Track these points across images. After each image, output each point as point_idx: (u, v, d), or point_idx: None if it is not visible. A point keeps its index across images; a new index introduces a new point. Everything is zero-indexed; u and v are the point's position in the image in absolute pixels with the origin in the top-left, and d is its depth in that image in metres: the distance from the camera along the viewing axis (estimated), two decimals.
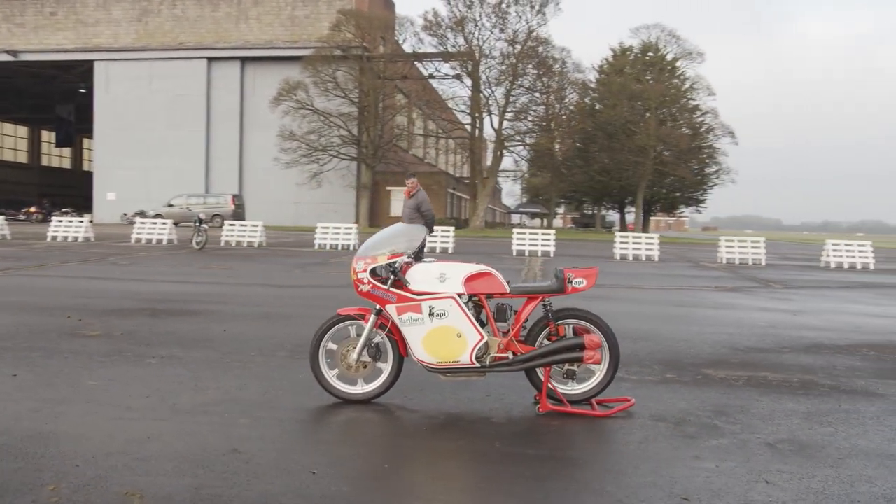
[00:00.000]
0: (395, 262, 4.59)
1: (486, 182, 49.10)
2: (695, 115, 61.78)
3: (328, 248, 22.83)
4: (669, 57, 60.82)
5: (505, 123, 48.15)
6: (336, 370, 4.75)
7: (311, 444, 3.94)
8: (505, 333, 4.62)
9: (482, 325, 4.57)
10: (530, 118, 50.14)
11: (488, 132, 49.49)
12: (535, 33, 45.54)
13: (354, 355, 4.65)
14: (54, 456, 3.56)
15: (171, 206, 40.37)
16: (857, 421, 4.61)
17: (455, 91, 49.07)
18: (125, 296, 9.71)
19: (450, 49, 45.70)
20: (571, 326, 4.69)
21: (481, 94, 46.63)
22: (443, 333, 4.47)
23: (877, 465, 3.79)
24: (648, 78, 59.35)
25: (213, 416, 4.31)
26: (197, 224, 20.08)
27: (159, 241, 22.95)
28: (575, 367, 4.64)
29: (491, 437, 4.10)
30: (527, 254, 22.51)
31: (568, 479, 3.49)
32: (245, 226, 22.98)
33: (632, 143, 53.84)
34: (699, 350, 6.84)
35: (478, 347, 4.48)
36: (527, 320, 4.69)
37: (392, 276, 4.57)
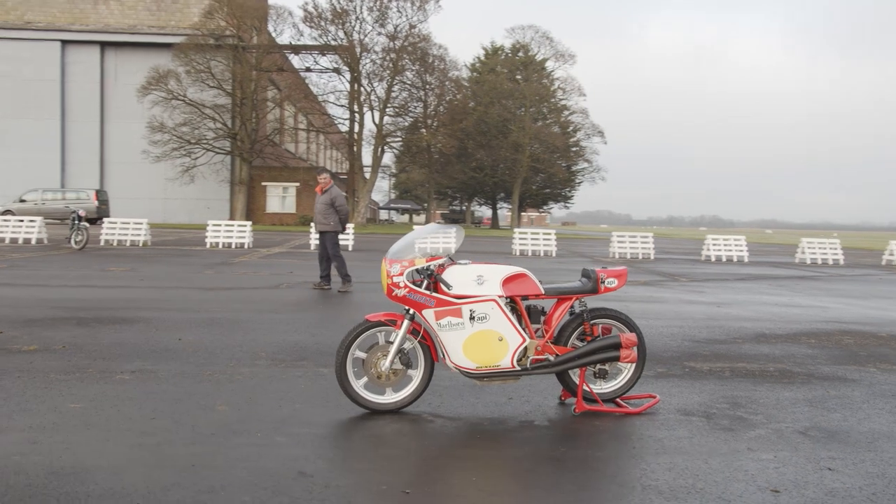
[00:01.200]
0: (431, 266, 4.41)
1: (369, 178, 48.63)
2: (563, 115, 64.49)
3: (221, 246, 21.68)
4: (539, 58, 63.11)
5: (386, 119, 47.90)
6: (363, 379, 4.50)
7: (376, 460, 3.69)
8: (540, 335, 4.58)
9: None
10: (410, 115, 50.25)
11: (369, 127, 49.02)
12: (416, 29, 45.61)
13: (387, 363, 4.42)
14: (103, 495, 3.11)
15: (23, 201, 36.66)
16: (855, 406, 4.97)
17: (335, 85, 48.00)
18: (34, 304, 8.70)
19: (330, 42, 44.79)
20: (600, 326, 4.72)
21: (362, 89, 46.09)
22: (484, 337, 4.36)
23: None
24: (519, 77, 61.27)
25: (246, 437, 3.95)
26: (75, 221, 18.38)
27: (27, 241, 20.79)
28: (607, 367, 4.69)
29: (551, 441, 4.05)
30: (428, 250, 22.49)
31: (658, 479, 3.49)
32: (128, 223, 21.30)
33: (506, 142, 55.35)
34: (667, 344, 7.12)
35: (519, 350, 4.40)
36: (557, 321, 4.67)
37: (426, 280, 4.39)
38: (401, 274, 4.38)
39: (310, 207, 47.50)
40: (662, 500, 3.23)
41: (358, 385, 4.47)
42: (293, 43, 46.18)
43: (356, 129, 46.99)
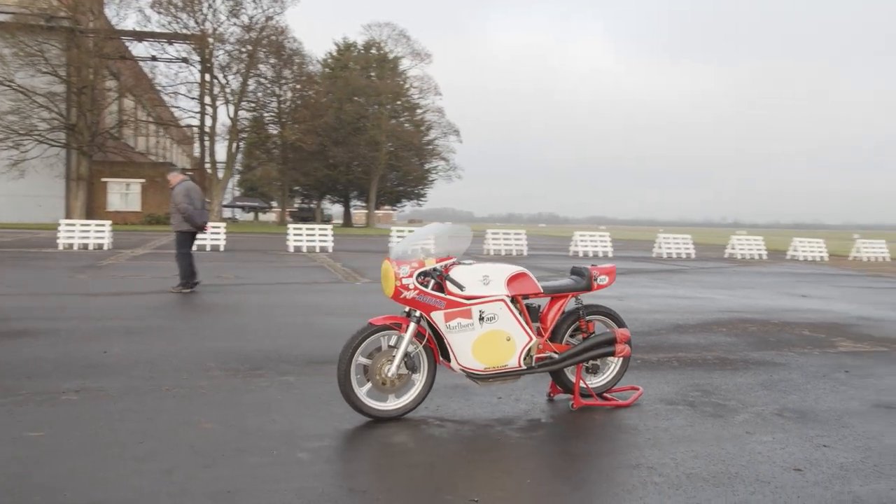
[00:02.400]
0: (439, 267, 4.31)
1: (223, 176, 46.40)
2: (417, 113, 65.04)
3: (76, 247, 19.73)
4: (392, 56, 63.23)
5: (241, 113, 45.95)
6: (366, 386, 4.30)
7: (415, 470, 3.54)
8: (540, 333, 4.61)
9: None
10: (266, 110, 48.56)
11: (222, 121, 46.76)
12: (272, 21, 44.13)
13: (393, 368, 4.25)
14: None
15: None
16: (801, 388, 5.46)
17: (185, 77, 45.25)
18: None
19: (180, 31, 42.17)
20: (594, 323, 4.84)
21: (216, 81, 43.87)
22: (493, 338, 4.32)
23: (868, 420, 4.58)
24: (372, 74, 61.07)
25: (260, 455, 3.64)
26: None
27: None
28: (598, 362, 4.81)
29: (567, 438, 4.10)
30: (304, 249, 21.88)
31: (694, 467, 3.62)
32: None
33: (362, 139, 54.98)
34: None
35: (525, 349, 4.41)
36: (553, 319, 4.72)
37: (433, 281, 4.29)
38: (410, 276, 4.24)
39: (157, 205, 44.60)
40: (711, 487, 3.36)
41: (361, 392, 4.26)
42: (138, 29, 43.01)
43: (209, 123, 44.66)
